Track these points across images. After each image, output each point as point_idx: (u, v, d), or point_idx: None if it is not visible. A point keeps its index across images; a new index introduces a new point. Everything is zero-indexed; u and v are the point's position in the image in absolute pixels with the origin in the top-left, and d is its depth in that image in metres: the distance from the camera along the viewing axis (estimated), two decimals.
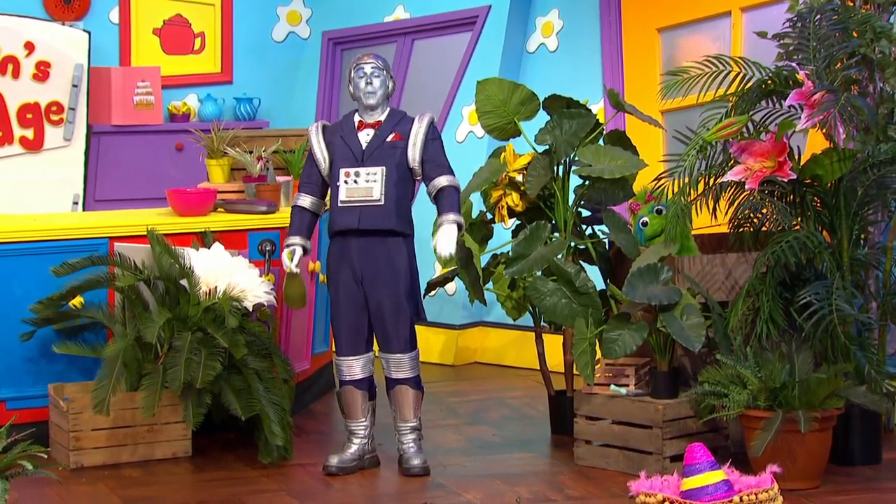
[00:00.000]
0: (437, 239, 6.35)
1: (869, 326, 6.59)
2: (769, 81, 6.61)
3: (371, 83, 6.46)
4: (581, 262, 6.91)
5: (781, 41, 6.76)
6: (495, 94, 6.99)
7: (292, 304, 6.62)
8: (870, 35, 6.63)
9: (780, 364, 6.17)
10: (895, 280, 6.68)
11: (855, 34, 6.62)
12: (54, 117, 9.36)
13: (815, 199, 6.60)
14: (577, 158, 6.79)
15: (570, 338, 6.96)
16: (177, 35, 10.23)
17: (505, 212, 6.99)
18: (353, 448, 6.54)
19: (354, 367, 6.51)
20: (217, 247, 6.89)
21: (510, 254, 6.77)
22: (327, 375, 8.20)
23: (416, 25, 9.96)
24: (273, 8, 10.64)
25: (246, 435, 6.85)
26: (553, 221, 6.86)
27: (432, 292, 7.44)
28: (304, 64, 10.64)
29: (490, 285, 7.35)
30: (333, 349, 6.68)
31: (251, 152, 7.78)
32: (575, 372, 6.93)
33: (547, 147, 6.85)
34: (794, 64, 6.43)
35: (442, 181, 6.42)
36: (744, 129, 6.55)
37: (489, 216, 7.15)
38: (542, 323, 7.17)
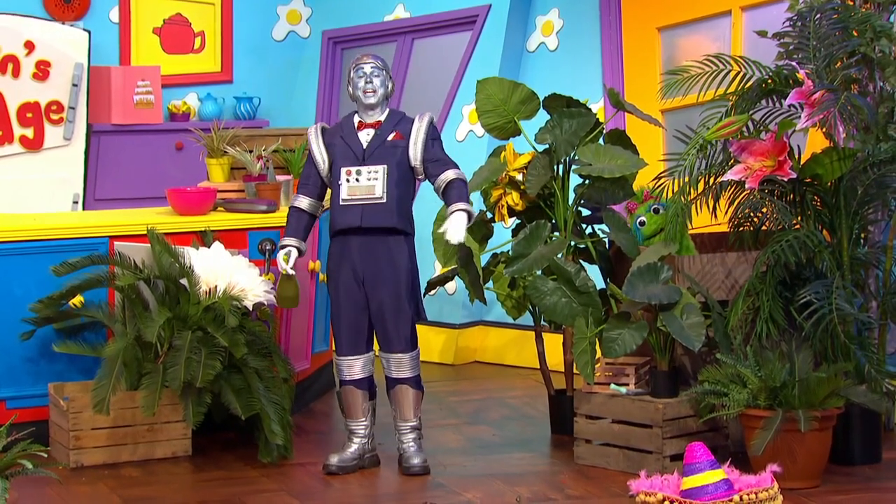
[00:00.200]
0: (447, 226, 6.32)
1: (869, 326, 6.59)
2: (769, 80, 6.61)
3: (371, 82, 6.46)
4: (581, 261, 6.91)
5: (781, 40, 6.76)
6: (495, 93, 6.99)
7: (285, 305, 6.62)
8: (870, 34, 6.63)
9: (780, 363, 6.17)
10: (895, 279, 6.68)
11: (855, 33, 6.62)
12: (54, 116, 9.36)
13: (815, 198, 6.60)
14: (577, 157, 6.79)
15: (570, 337, 6.96)
16: (177, 34, 10.23)
17: (505, 211, 6.99)
18: (354, 447, 6.54)
19: (355, 367, 6.51)
20: (217, 246, 6.89)
21: (510, 253, 6.77)
22: (327, 375, 8.20)
23: (415, 25, 9.96)
24: (273, 7, 10.64)
25: (246, 434, 6.85)
26: (553, 221, 6.86)
27: (432, 291, 7.44)
28: (304, 63, 10.64)
29: (490, 284, 7.35)
30: (333, 349, 6.68)
31: (251, 151, 7.78)
32: (575, 371, 6.93)
33: (547, 146, 6.85)
34: (794, 63, 6.43)
35: (449, 175, 6.42)
36: (744, 129, 6.55)
37: (489, 215, 7.15)
38: (542, 322, 7.17)
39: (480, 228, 7.09)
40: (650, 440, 6.33)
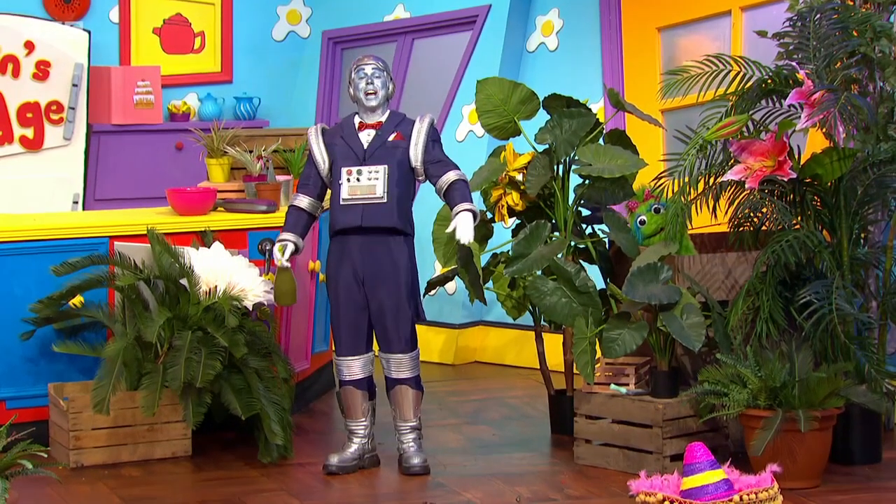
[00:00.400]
0: (456, 226, 6.33)
1: (869, 326, 6.59)
2: (769, 81, 6.61)
3: (372, 83, 6.46)
4: (581, 261, 6.91)
5: (781, 40, 6.76)
6: (495, 93, 6.99)
7: (282, 300, 6.61)
8: (870, 34, 6.63)
9: (780, 363, 6.17)
10: (895, 279, 6.68)
11: (855, 33, 6.62)
12: (54, 116, 9.36)
13: (815, 198, 6.60)
14: (577, 158, 6.79)
15: (570, 337, 6.96)
16: (177, 34, 10.23)
17: (505, 211, 6.99)
18: (353, 447, 6.54)
19: (354, 368, 6.51)
20: (217, 246, 6.89)
21: (510, 253, 6.77)
22: (327, 375, 8.20)
23: (415, 25, 9.96)
24: (273, 7, 10.64)
25: (246, 434, 6.85)
26: (553, 221, 6.86)
27: (432, 291, 7.44)
28: (304, 63, 10.64)
29: (490, 284, 7.35)
30: (333, 349, 6.68)
31: (251, 151, 7.77)
32: (575, 371, 6.93)
33: (547, 146, 6.85)
34: (794, 63, 6.43)
35: (451, 176, 6.42)
36: (744, 129, 6.55)
37: (489, 215, 7.15)
38: (542, 322, 7.17)
39: (480, 228, 7.09)
40: (650, 440, 6.33)
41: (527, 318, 7.59)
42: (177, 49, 10.24)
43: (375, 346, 6.53)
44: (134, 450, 6.71)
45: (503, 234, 7.69)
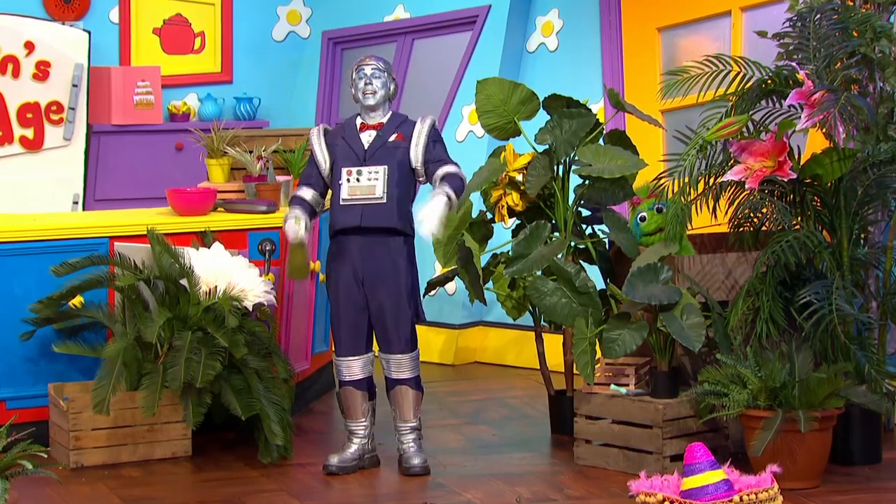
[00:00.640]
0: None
1: (869, 326, 6.59)
2: (769, 81, 6.61)
3: (371, 83, 6.46)
4: (581, 261, 6.91)
5: (781, 41, 6.76)
6: (495, 93, 6.99)
7: (296, 276, 6.54)
8: (870, 34, 6.63)
9: (780, 364, 6.17)
10: (895, 280, 6.68)
11: (855, 34, 6.62)
12: (54, 117, 9.36)
13: (815, 198, 6.60)
14: (577, 158, 6.79)
15: (570, 337, 6.96)
16: (177, 35, 10.23)
17: (505, 211, 6.99)
18: (353, 448, 6.54)
19: (354, 368, 6.51)
20: (217, 246, 6.89)
21: (510, 253, 6.77)
22: (327, 375, 8.20)
23: (416, 25, 9.96)
24: (273, 7, 10.64)
25: (246, 435, 6.85)
26: (553, 221, 6.86)
27: (432, 292, 7.44)
28: (304, 63, 10.64)
29: (490, 285, 7.34)
30: (333, 349, 6.68)
31: (251, 152, 7.77)
32: (575, 371, 6.93)
33: (547, 147, 6.85)
34: (794, 63, 6.43)
35: (446, 168, 6.39)
36: (744, 129, 6.55)
37: (489, 216, 7.15)
38: (542, 322, 7.17)
39: (480, 229, 7.09)
40: (650, 440, 6.33)
41: (527, 319, 7.59)
42: (177, 49, 10.24)
43: (375, 347, 6.53)
44: (134, 450, 6.71)
45: (503, 235, 7.69)
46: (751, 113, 6.60)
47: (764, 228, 6.68)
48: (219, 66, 10.42)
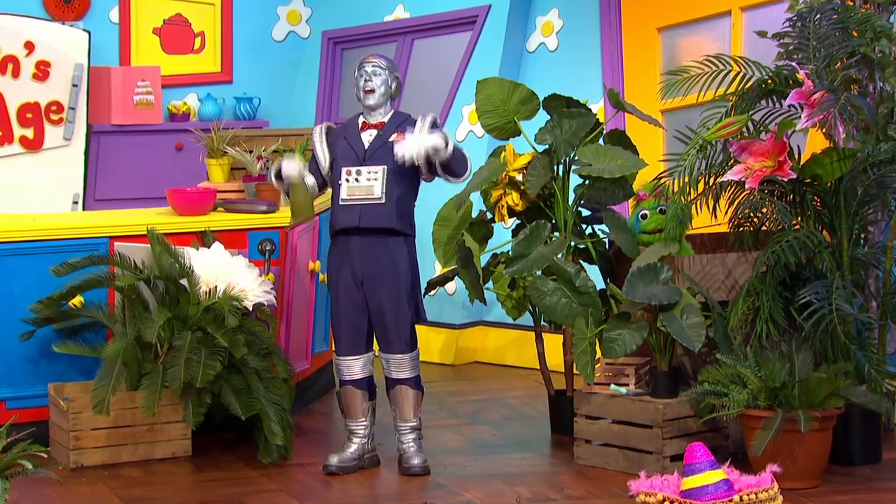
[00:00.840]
0: (411, 135, 6.28)
1: (869, 326, 6.59)
2: (769, 81, 6.61)
3: (371, 80, 6.45)
4: (581, 261, 6.91)
5: (781, 41, 6.76)
6: (495, 93, 6.99)
7: (301, 216, 6.47)
8: (870, 34, 6.63)
9: (780, 363, 6.17)
10: (895, 279, 6.68)
11: (855, 33, 6.62)
12: (54, 117, 9.36)
13: (815, 198, 6.60)
14: (577, 158, 6.79)
15: (570, 337, 6.96)
16: (177, 34, 10.23)
17: (505, 211, 6.99)
18: (353, 448, 6.54)
19: (354, 367, 6.51)
20: (217, 246, 6.89)
21: (510, 253, 6.77)
22: (327, 375, 8.20)
23: (416, 25, 9.96)
24: (273, 7, 10.64)
25: (246, 435, 6.85)
26: (553, 221, 6.86)
27: (432, 292, 7.44)
28: (304, 64, 10.63)
29: (490, 285, 7.34)
30: (333, 349, 6.68)
31: (251, 152, 7.77)
32: (575, 371, 6.93)
33: (547, 146, 6.85)
34: (794, 63, 6.43)
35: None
36: (744, 129, 6.55)
37: (489, 216, 7.15)
38: (542, 322, 7.17)
39: (480, 228, 7.09)
40: (650, 440, 6.33)
41: (527, 319, 7.59)
42: (177, 49, 10.24)
43: (376, 346, 6.53)
44: (134, 450, 6.71)
45: (503, 235, 7.69)
46: (751, 113, 6.60)
47: (764, 228, 6.68)
48: (219, 66, 10.41)
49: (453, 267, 7.18)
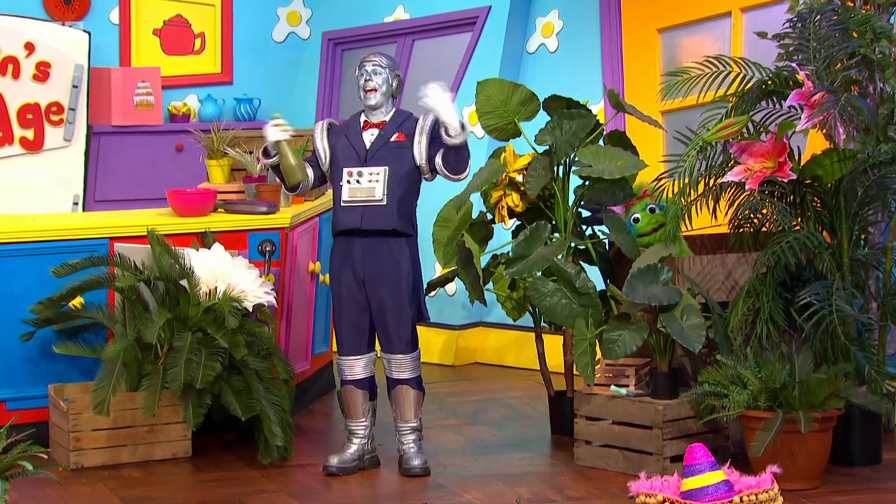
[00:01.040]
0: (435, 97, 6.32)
1: (869, 327, 6.59)
2: (769, 82, 6.61)
3: (371, 79, 6.45)
4: (581, 262, 6.91)
5: (781, 41, 6.76)
6: (495, 94, 6.99)
7: (294, 177, 6.44)
8: (870, 35, 6.64)
9: (780, 364, 6.17)
10: (895, 280, 6.68)
11: (855, 34, 6.62)
12: (54, 117, 9.36)
13: (816, 199, 6.60)
14: (577, 159, 6.79)
15: (570, 338, 6.96)
16: (177, 35, 10.23)
17: (505, 212, 6.99)
18: (353, 448, 6.54)
19: (356, 367, 6.51)
20: (217, 247, 6.89)
21: (510, 254, 6.77)
22: (327, 375, 8.20)
23: (416, 26, 9.96)
24: (273, 8, 10.64)
25: (246, 435, 6.85)
26: (553, 222, 6.86)
27: (432, 292, 7.44)
28: (304, 64, 10.64)
29: (490, 286, 7.35)
30: (335, 349, 6.68)
31: (251, 152, 7.77)
32: (575, 372, 6.93)
33: (547, 147, 6.85)
34: (794, 64, 6.43)
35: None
36: (744, 130, 6.55)
37: (489, 216, 7.15)
38: (542, 323, 7.17)
39: (480, 229, 7.09)
40: (650, 441, 6.33)
41: (527, 320, 7.59)
42: (177, 50, 10.24)
43: (377, 347, 6.53)
44: (134, 451, 6.71)
45: (503, 236, 7.69)
46: (751, 114, 6.60)
47: (764, 229, 6.68)
48: (219, 66, 10.42)
49: (453, 268, 7.18)
